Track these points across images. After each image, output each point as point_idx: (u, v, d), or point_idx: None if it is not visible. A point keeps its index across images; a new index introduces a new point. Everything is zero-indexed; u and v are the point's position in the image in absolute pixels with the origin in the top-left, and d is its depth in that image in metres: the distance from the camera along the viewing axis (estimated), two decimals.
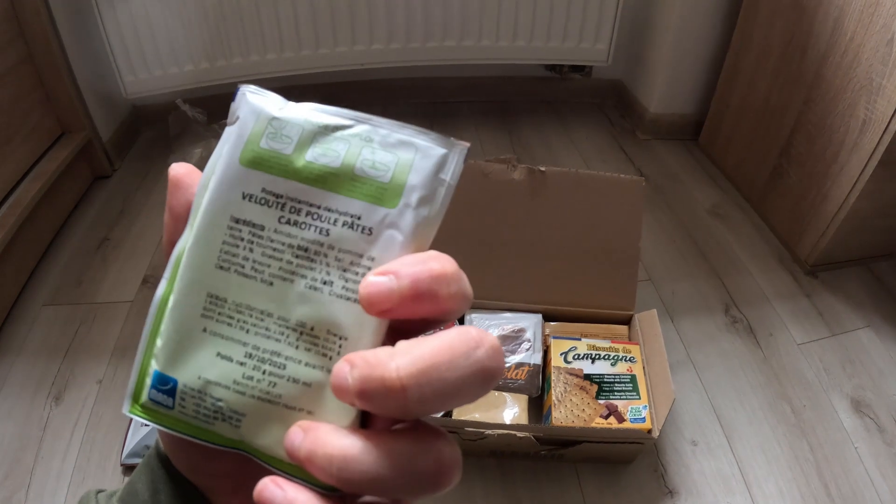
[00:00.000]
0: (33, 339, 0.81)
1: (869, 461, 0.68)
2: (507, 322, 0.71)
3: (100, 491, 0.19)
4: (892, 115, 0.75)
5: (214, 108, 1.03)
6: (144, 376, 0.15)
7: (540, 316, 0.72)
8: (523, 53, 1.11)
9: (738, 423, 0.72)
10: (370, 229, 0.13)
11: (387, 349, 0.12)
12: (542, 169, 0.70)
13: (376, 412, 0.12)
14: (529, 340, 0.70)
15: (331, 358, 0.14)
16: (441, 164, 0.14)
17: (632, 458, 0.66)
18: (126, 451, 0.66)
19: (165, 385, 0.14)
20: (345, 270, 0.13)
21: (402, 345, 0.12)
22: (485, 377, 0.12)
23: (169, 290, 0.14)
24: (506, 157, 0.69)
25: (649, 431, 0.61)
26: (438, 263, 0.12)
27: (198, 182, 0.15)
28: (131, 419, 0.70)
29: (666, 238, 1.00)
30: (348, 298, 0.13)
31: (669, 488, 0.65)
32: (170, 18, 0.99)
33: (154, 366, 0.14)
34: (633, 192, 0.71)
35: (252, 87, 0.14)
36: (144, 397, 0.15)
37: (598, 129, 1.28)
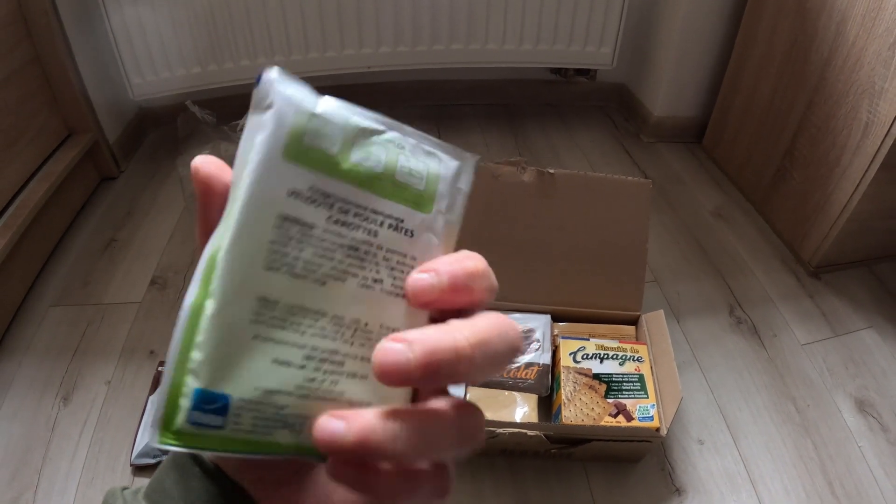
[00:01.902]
0: (41, 339, 0.81)
1: (873, 460, 0.69)
2: (516, 322, 0.72)
3: (125, 488, 0.19)
4: (895, 119, 0.76)
5: (221, 109, 1.04)
6: (177, 397, 0.13)
7: (549, 316, 0.73)
8: (529, 57, 1.12)
9: (743, 423, 0.73)
10: (412, 231, 0.15)
11: (440, 326, 0.13)
12: (552, 171, 0.70)
13: (438, 382, 0.13)
14: (538, 340, 0.70)
15: None
16: (458, 175, 0.15)
17: (640, 456, 0.67)
18: (136, 451, 0.66)
19: (213, 403, 0.13)
20: (392, 269, 0.14)
21: (456, 323, 0.14)
22: (515, 352, 0.14)
23: (203, 295, 0.13)
24: (515, 159, 0.70)
25: (657, 430, 0.62)
26: (472, 262, 0.15)
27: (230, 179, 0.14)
28: (141, 418, 0.70)
29: (670, 240, 1.01)
30: (397, 294, 0.15)
31: (677, 486, 0.66)
32: (177, 20, 0.99)
33: (192, 384, 0.13)
34: (640, 194, 0.72)
35: (278, 72, 0.13)
36: (181, 422, 0.13)
37: (603, 132, 1.28)
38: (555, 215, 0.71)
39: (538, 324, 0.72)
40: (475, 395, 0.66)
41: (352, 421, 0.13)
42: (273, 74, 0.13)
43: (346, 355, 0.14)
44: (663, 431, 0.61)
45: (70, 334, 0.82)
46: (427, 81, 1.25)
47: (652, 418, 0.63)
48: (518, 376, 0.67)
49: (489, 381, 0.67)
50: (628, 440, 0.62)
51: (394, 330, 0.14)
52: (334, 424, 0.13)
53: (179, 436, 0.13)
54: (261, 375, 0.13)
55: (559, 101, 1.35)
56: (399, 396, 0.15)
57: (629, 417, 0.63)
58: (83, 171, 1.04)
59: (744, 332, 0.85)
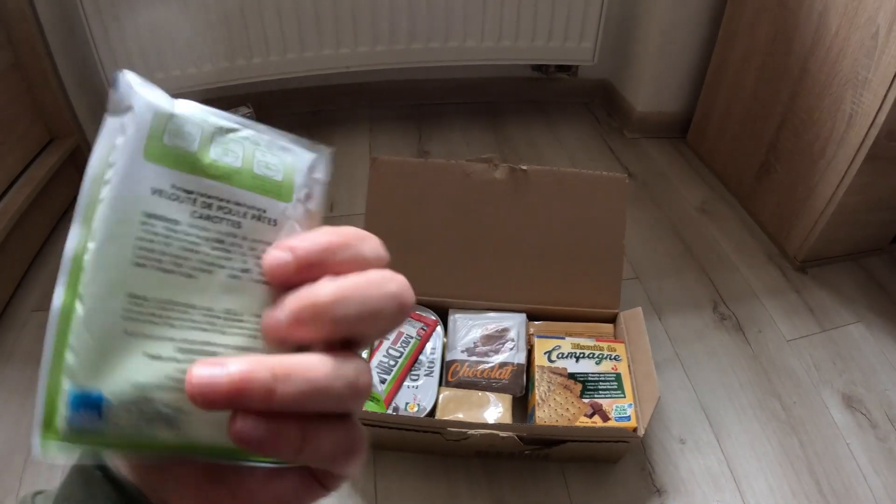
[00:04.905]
0: (23, 344, 0.81)
1: (861, 457, 0.67)
2: (490, 322, 0.71)
3: (38, 493, 0.18)
4: (878, 109, 0.75)
5: None
6: (55, 400, 0.13)
7: (524, 315, 0.72)
8: (509, 54, 1.11)
9: (726, 421, 0.71)
10: (275, 220, 0.15)
11: (310, 284, 0.14)
12: (524, 168, 0.69)
13: (308, 336, 0.14)
14: (513, 340, 0.69)
15: (257, 338, 0.15)
16: (314, 166, 0.16)
17: (618, 457, 0.66)
18: None
19: (88, 402, 0.13)
20: (258, 258, 0.15)
21: (325, 279, 0.14)
22: (398, 303, 0.14)
23: (71, 297, 0.13)
24: (487, 156, 0.69)
25: (634, 430, 0.61)
26: (326, 237, 0.15)
27: None
28: None
29: (654, 236, 1.00)
30: (265, 282, 0.15)
31: (657, 487, 0.65)
32: (157, 24, 0.99)
33: (67, 385, 0.13)
34: (616, 189, 0.71)
35: (133, 76, 0.14)
36: (61, 424, 0.13)
37: (586, 128, 1.27)
38: (529, 212, 0.70)
39: (513, 323, 0.71)
40: (449, 395, 0.65)
41: (230, 364, 0.12)
42: (130, 78, 0.14)
43: (219, 345, 0.14)
44: (640, 431, 0.60)
45: None
46: (407, 81, 1.24)
47: (629, 418, 0.62)
48: (492, 376, 0.66)
49: (462, 381, 0.66)
50: (604, 441, 0.61)
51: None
52: (208, 368, 0.12)
53: (61, 438, 0.13)
54: (133, 371, 0.13)
55: (541, 98, 1.34)
56: None
57: (605, 417, 0.62)
58: (65, 175, 1.04)
59: (728, 328, 0.84)
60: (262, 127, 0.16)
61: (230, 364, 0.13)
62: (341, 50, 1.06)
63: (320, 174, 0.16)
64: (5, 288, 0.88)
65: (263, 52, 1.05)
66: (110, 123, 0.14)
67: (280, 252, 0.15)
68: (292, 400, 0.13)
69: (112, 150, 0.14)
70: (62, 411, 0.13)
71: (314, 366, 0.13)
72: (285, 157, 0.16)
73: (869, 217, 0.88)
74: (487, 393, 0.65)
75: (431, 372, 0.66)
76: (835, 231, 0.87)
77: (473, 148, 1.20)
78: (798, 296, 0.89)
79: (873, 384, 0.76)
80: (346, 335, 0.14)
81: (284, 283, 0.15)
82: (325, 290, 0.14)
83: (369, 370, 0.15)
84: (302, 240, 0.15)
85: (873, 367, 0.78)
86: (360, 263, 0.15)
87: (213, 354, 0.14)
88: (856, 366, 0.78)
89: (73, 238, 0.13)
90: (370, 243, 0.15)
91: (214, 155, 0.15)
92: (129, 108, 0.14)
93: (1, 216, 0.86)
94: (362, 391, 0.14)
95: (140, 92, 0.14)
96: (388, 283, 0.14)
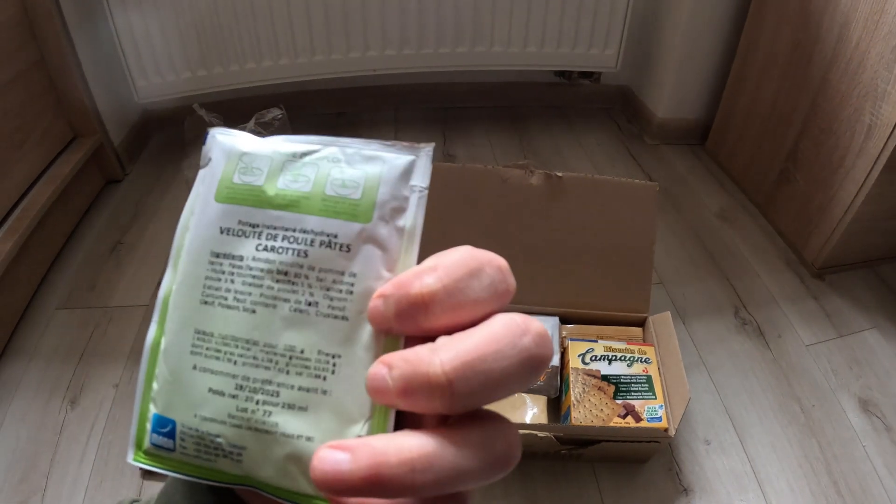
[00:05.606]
0: (47, 342, 0.81)
1: (877, 459, 0.70)
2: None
3: (134, 501, 0.19)
4: None
5: (226, 112, 1.04)
6: (145, 422, 0.14)
7: (557, 318, 0.73)
8: (534, 60, 1.13)
9: (749, 423, 0.73)
10: (347, 246, 0.13)
11: (427, 346, 0.12)
12: (560, 174, 0.71)
13: (421, 410, 0.11)
14: None
15: (325, 378, 0.13)
16: (408, 172, 0.14)
17: (647, 457, 0.68)
18: None
19: (165, 427, 0.14)
20: (328, 289, 0.13)
21: (442, 340, 0.12)
22: (533, 365, 0.12)
23: (159, 332, 0.14)
24: (524, 162, 0.70)
25: (666, 430, 0.63)
26: (433, 274, 0.12)
27: None
28: None
29: (675, 241, 1.01)
30: (336, 317, 0.13)
31: (684, 486, 0.67)
32: (182, 22, 0.99)
33: (153, 410, 0.14)
34: (646, 196, 0.72)
35: (222, 129, 0.15)
36: (147, 443, 0.14)
37: (607, 134, 1.29)
38: (563, 218, 0.72)
39: (547, 326, 0.71)
40: None
41: (358, 452, 0.11)
42: (215, 131, 0.15)
43: (281, 385, 0.13)
44: (671, 432, 0.62)
45: (77, 337, 0.82)
46: (432, 84, 1.25)
47: (660, 419, 0.64)
48: None
49: None
50: (637, 441, 0.62)
51: (334, 356, 0.13)
52: (336, 457, 0.11)
53: (148, 455, 0.15)
54: (198, 403, 0.14)
55: (563, 103, 1.35)
56: (349, 434, 0.13)
57: (638, 418, 0.64)
58: (88, 173, 1.04)
59: (749, 333, 0.86)
60: (350, 141, 0.14)
61: (358, 451, 0.11)
62: (369, 53, 1.07)
63: (418, 180, 0.14)
64: (28, 286, 0.88)
65: (291, 53, 1.05)
66: (199, 176, 0.15)
67: (378, 302, 0.12)
68: (432, 490, 0.11)
69: (196, 199, 0.15)
70: (148, 432, 0.14)
71: (459, 453, 0.11)
72: (369, 169, 0.14)
73: (885, 225, 0.90)
74: (523, 394, 0.66)
75: None
76: (852, 239, 0.90)
77: (498, 152, 1.21)
78: (816, 302, 0.91)
79: (888, 388, 0.78)
80: (465, 410, 0.11)
81: (385, 333, 0.13)
82: (439, 363, 0.11)
83: (518, 437, 0.12)
84: (400, 280, 0.12)
85: (888, 372, 0.80)
86: (480, 302, 0.12)
87: (275, 394, 0.13)
88: (871, 370, 0.80)
89: (165, 281, 0.15)
90: (491, 270, 0.12)
91: (282, 183, 0.14)
92: (210, 160, 0.15)
93: (24, 214, 0.86)
94: (511, 467, 0.12)
95: (220, 140, 0.15)
96: (522, 337, 0.11)
